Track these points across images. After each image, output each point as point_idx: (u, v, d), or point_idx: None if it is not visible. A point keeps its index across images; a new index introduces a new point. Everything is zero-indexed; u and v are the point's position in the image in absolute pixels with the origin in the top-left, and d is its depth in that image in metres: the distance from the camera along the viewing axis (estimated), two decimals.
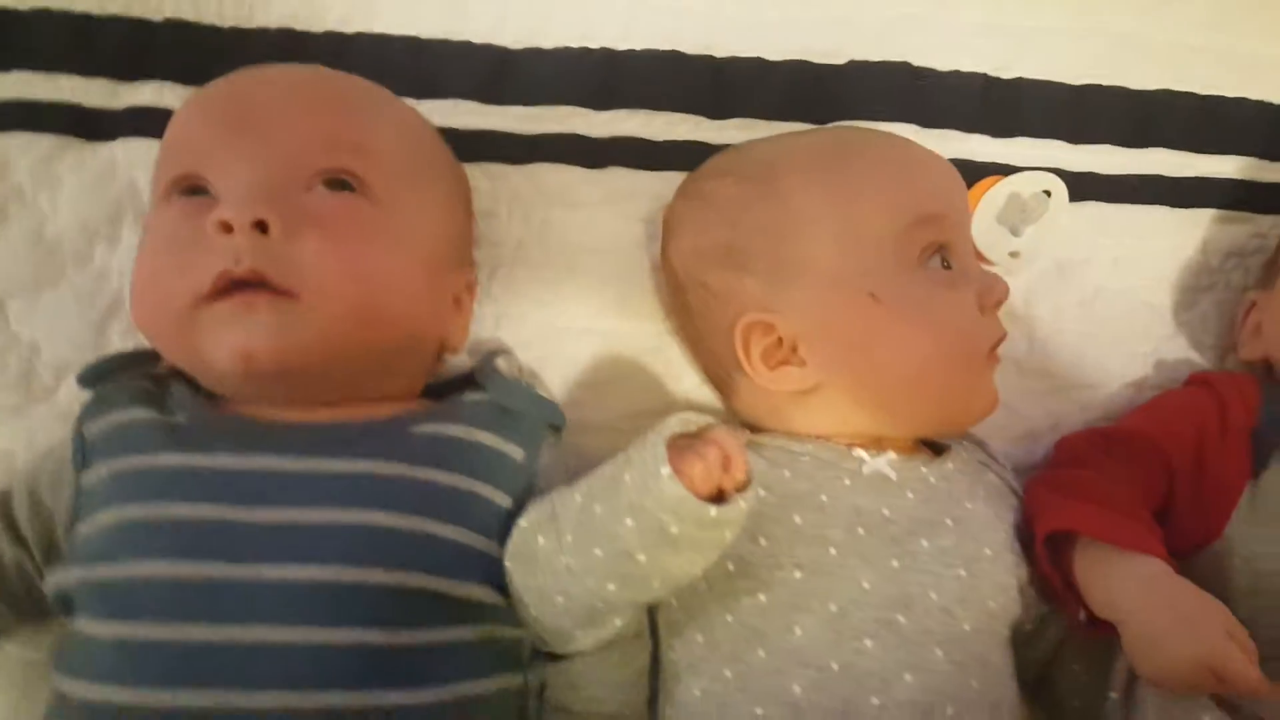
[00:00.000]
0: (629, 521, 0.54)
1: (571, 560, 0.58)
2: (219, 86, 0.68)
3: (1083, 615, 0.68)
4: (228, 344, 0.61)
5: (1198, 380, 0.81)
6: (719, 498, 0.54)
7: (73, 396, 0.72)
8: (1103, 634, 0.67)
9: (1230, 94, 0.89)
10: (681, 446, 0.54)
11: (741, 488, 0.54)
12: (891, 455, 0.70)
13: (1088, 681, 0.72)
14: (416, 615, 0.60)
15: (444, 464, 0.64)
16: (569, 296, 0.81)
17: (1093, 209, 0.87)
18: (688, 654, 0.66)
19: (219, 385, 0.66)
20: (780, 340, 0.69)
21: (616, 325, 0.80)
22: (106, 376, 0.68)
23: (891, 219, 0.68)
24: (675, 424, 0.55)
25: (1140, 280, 0.87)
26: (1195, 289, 0.88)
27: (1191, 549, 0.72)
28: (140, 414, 0.65)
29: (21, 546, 0.66)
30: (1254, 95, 0.89)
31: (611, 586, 0.57)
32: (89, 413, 0.66)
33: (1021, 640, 0.72)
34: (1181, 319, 0.88)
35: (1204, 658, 0.60)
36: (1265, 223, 0.88)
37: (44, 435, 0.73)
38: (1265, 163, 0.89)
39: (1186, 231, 0.88)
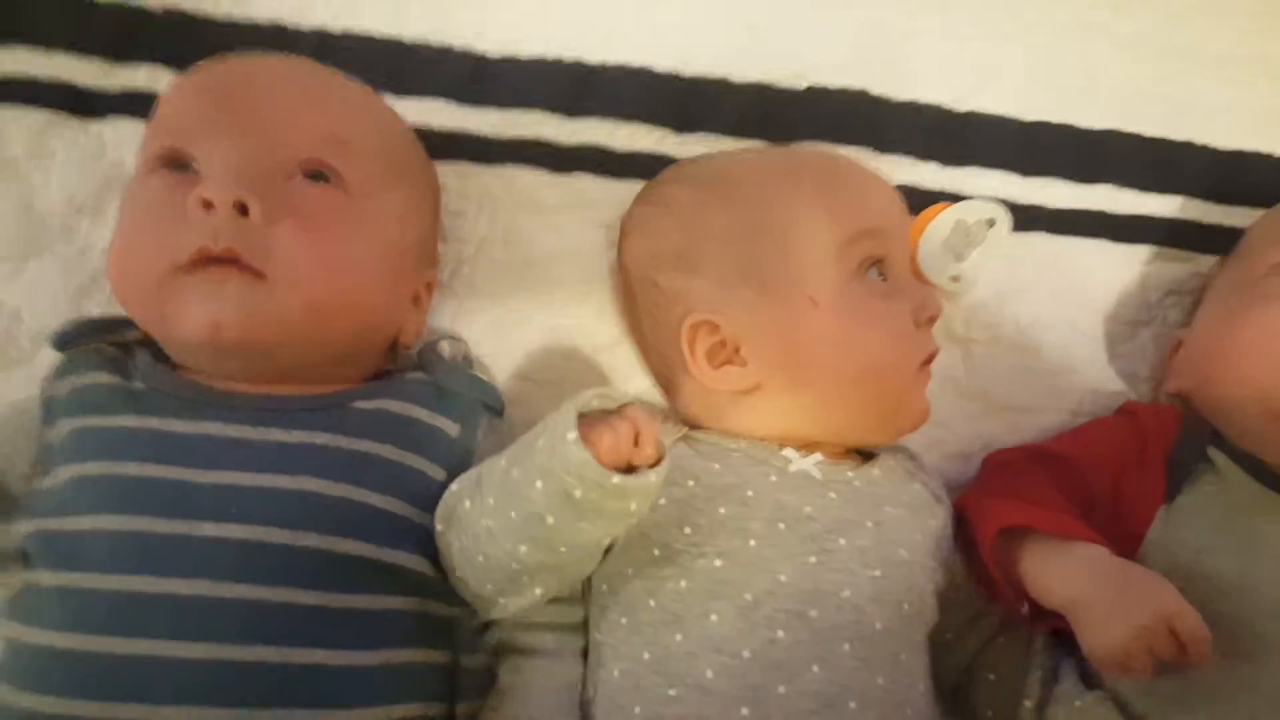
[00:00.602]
0: (539, 484, 0.57)
1: (491, 522, 0.61)
2: (213, 68, 0.72)
3: (1025, 609, 0.72)
4: (197, 314, 0.64)
5: (1125, 410, 0.85)
6: (630, 471, 0.57)
7: (48, 363, 0.75)
8: (1043, 628, 0.71)
9: (1177, 138, 0.93)
10: (596, 420, 0.57)
11: (652, 463, 0.57)
12: (819, 457, 0.74)
13: (1003, 690, 0.75)
14: (347, 579, 0.63)
15: (379, 436, 0.68)
16: (527, 295, 0.85)
17: (1038, 239, 0.91)
18: (611, 636, 0.70)
19: (183, 354, 0.70)
20: (724, 341, 0.73)
21: (572, 325, 0.84)
22: (76, 340, 0.72)
23: (833, 231, 0.72)
24: (593, 397, 0.58)
25: (1080, 311, 0.91)
26: (1134, 323, 0.91)
27: None
28: (103, 378, 0.68)
29: None
30: (1200, 140, 0.93)
31: (524, 549, 0.60)
32: (57, 373, 0.70)
33: (941, 648, 0.75)
34: (1119, 351, 0.91)
35: (1153, 619, 0.62)
36: (1205, 262, 0.92)
37: (19, 398, 0.76)
38: (1208, 204, 0.92)
39: (1128, 266, 0.92)
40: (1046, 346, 0.90)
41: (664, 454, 0.58)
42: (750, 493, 0.70)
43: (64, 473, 0.64)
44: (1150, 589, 0.65)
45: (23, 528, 0.65)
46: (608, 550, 0.69)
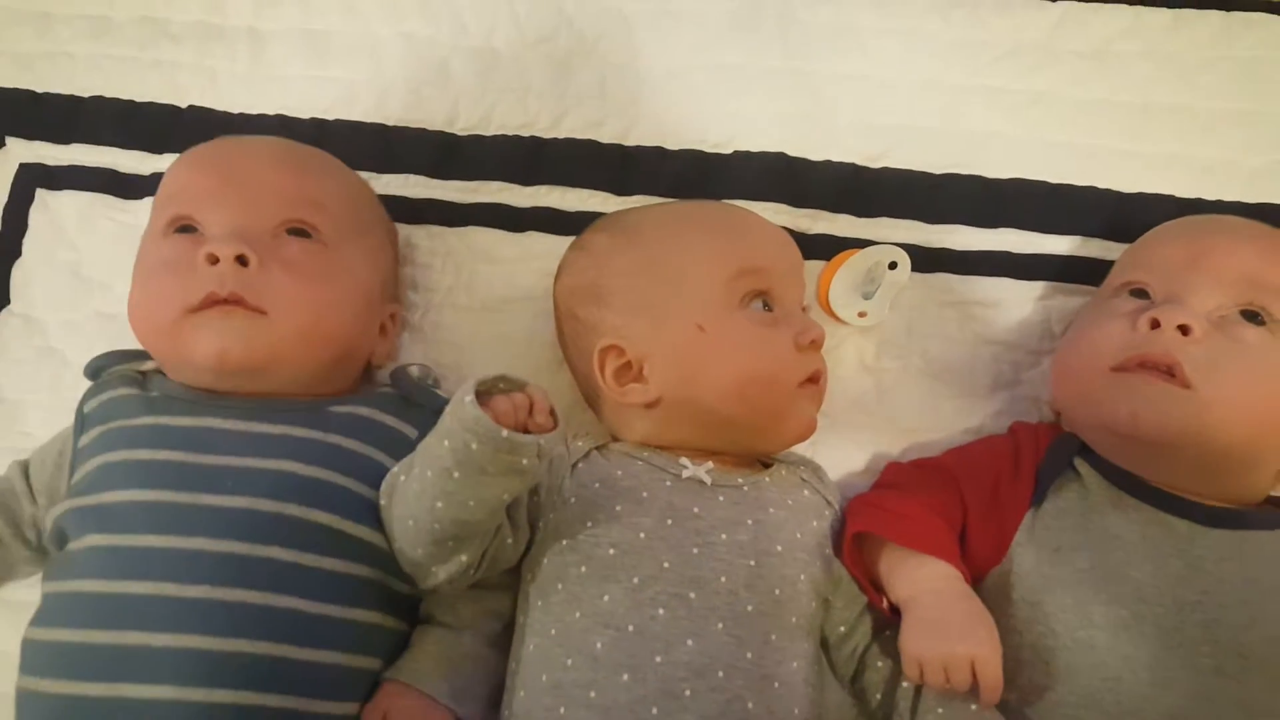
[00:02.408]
0: (445, 443, 0.69)
1: (415, 485, 0.74)
2: (209, 149, 0.89)
3: (886, 604, 0.83)
4: (207, 344, 0.81)
5: (1011, 429, 0.93)
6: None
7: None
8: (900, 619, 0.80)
9: (1080, 183, 1.02)
10: (500, 395, 0.69)
11: (544, 432, 0.69)
12: (710, 465, 0.85)
13: (889, 675, 0.83)
14: (319, 543, 0.77)
15: (350, 433, 0.83)
16: (486, 335, 0.99)
17: (943, 279, 1.00)
18: (530, 617, 0.81)
19: (194, 377, 0.85)
20: (629, 363, 0.85)
21: (521, 355, 0.97)
22: (104, 368, 0.89)
23: (720, 268, 0.84)
24: (498, 380, 0.70)
25: (984, 344, 0.99)
26: (1038, 351, 0.99)
27: (985, 569, 0.84)
28: (126, 391, 0.85)
29: (34, 502, 0.86)
30: (1102, 184, 1.02)
31: (439, 504, 0.72)
32: (88, 395, 0.87)
33: (836, 640, 0.85)
34: (1023, 377, 0.98)
35: (961, 654, 0.74)
36: None
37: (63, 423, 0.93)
38: (1108, 243, 1.00)
39: (1031, 301, 1.00)
40: (951, 375, 0.98)
41: (557, 425, 0.70)
42: (645, 494, 0.82)
43: (92, 464, 0.81)
44: (972, 626, 0.76)
45: (58, 509, 0.80)
46: (532, 540, 0.82)
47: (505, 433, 0.67)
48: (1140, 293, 0.86)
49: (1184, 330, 0.79)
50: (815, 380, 0.86)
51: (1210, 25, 1.05)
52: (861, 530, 0.83)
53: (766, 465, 0.89)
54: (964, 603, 0.79)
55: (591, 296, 0.88)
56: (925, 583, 0.80)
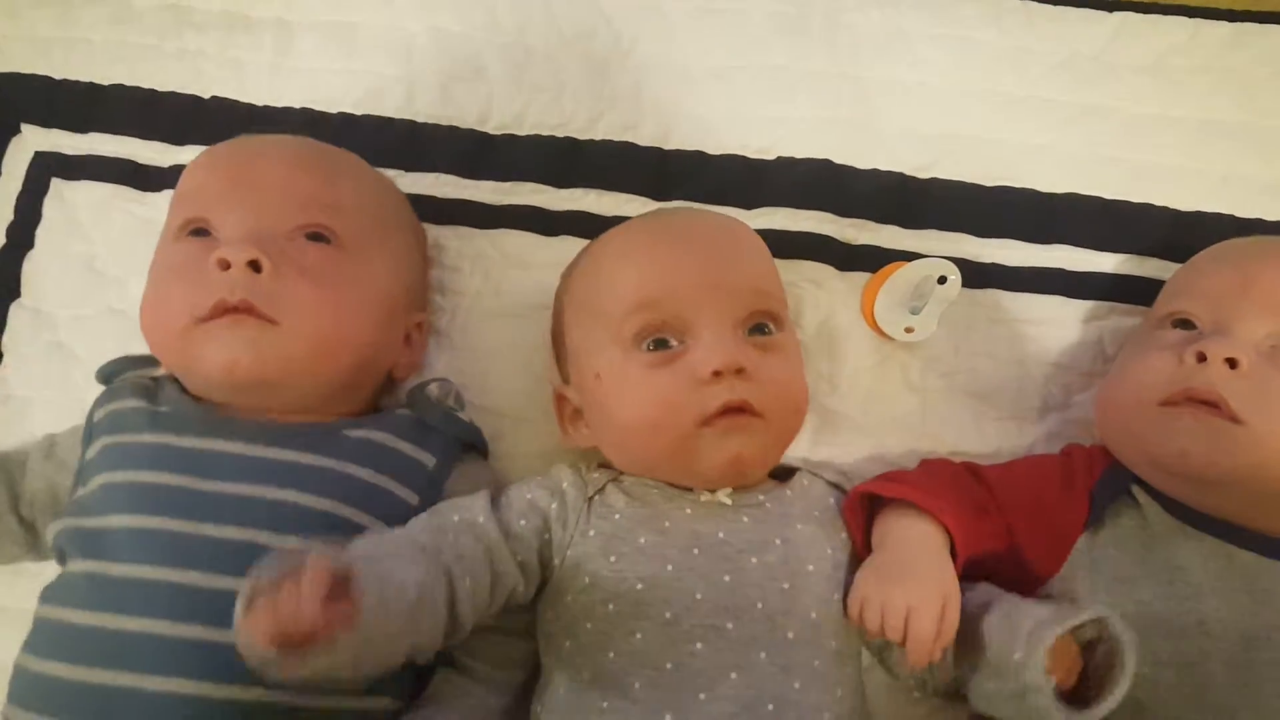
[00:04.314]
0: None
1: None
2: (225, 148, 0.85)
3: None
4: (216, 355, 0.76)
5: (1066, 450, 0.89)
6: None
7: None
8: None
9: (1136, 200, 0.98)
10: (270, 590, 0.56)
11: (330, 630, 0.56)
12: (728, 488, 0.80)
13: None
14: None
15: (363, 461, 0.78)
16: (515, 343, 0.95)
17: (993, 296, 0.96)
18: (558, 659, 0.76)
19: (205, 389, 0.81)
20: (576, 408, 0.83)
21: (546, 373, 0.92)
22: (117, 373, 0.84)
23: (614, 306, 0.78)
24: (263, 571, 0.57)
25: (1035, 363, 0.95)
26: (1089, 374, 0.95)
27: (1044, 577, 0.81)
28: (135, 403, 0.80)
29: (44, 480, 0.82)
30: (1158, 201, 0.98)
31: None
32: (99, 402, 0.82)
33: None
34: (1074, 400, 0.95)
35: (899, 604, 0.72)
36: None
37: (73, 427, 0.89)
38: (1165, 262, 0.96)
39: (1084, 320, 0.96)
40: (999, 396, 0.95)
41: (353, 619, 0.57)
42: (667, 524, 0.77)
43: (94, 481, 0.76)
44: (921, 578, 0.73)
45: (55, 528, 0.76)
46: (547, 577, 0.78)
47: (272, 653, 0.55)
48: (1185, 323, 0.82)
49: (1231, 364, 0.76)
50: (728, 413, 0.75)
51: (1271, 40, 1.02)
52: (867, 491, 0.81)
53: (788, 474, 0.85)
54: (926, 556, 0.75)
55: (555, 333, 0.87)
56: (898, 532, 0.78)
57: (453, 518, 0.75)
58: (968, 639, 0.74)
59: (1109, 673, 0.68)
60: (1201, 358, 0.77)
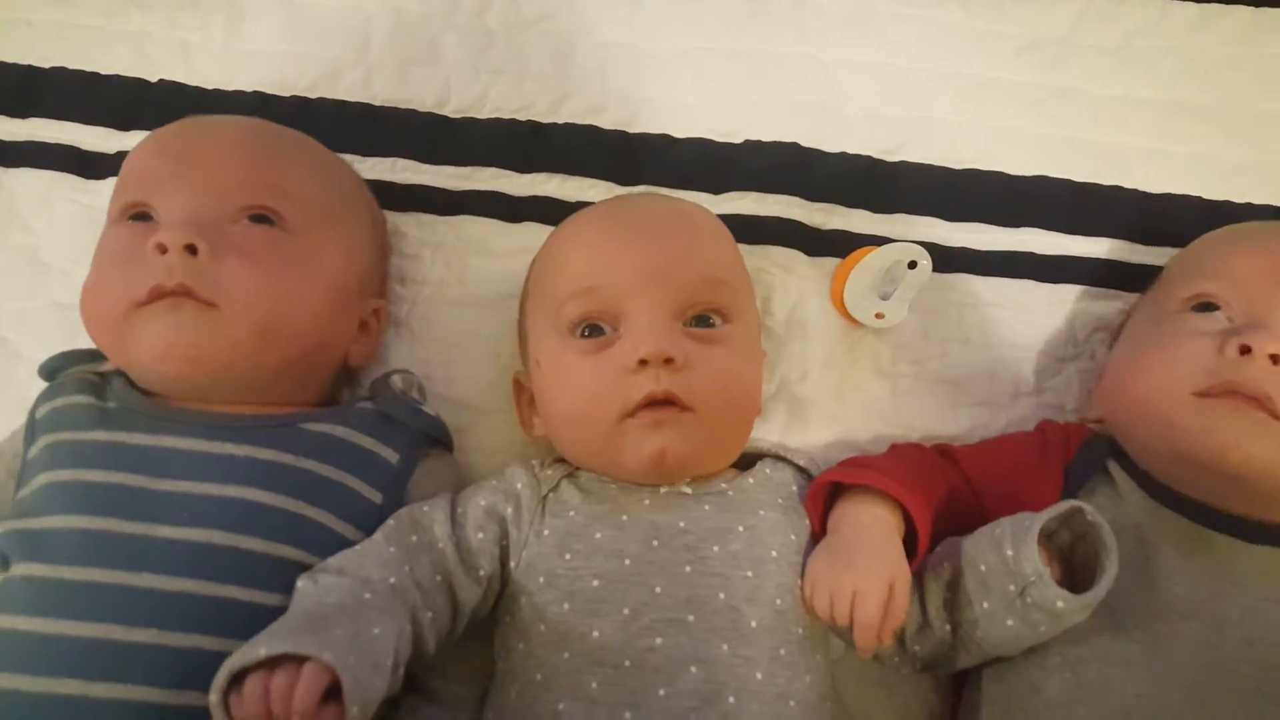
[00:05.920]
0: None
1: None
2: (170, 129, 0.82)
3: None
4: (153, 339, 0.73)
5: (1040, 426, 0.89)
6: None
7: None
8: None
9: (1105, 182, 0.97)
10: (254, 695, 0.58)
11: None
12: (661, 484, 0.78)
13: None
14: (282, 583, 0.69)
15: (323, 457, 0.75)
16: (478, 332, 0.92)
17: (964, 280, 0.95)
18: (510, 663, 0.74)
19: (146, 378, 0.78)
20: (531, 396, 0.82)
21: (515, 355, 0.90)
22: (61, 369, 0.81)
23: (553, 293, 0.78)
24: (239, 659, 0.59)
25: (1005, 348, 0.94)
26: (1061, 358, 0.94)
27: None
28: (80, 399, 0.77)
29: None
30: (1127, 184, 0.97)
31: None
32: (42, 398, 0.79)
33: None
34: (1045, 385, 0.94)
35: (846, 589, 0.70)
36: (1133, 299, 0.94)
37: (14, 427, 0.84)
38: (1134, 245, 0.96)
39: (1055, 305, 0.95)
40: (971, 381, 0.94)
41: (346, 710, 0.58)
42: (625, 517, 0.75)
43: (37, 481, 0.73)
44: (870, 561, 0.71)
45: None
46: (506, 581, 0.76)
47: None
48: (1208, 305, 0.80)
49: (1275, 360, 0.73)
50: (653, 405, 0.73)
51: (1237, 21, 1.02)
52: (829, 480, 0.78)
53: (750, 463, 0.83)
54: (874, 539, 0.74)
55: (519, 320, 0.86)
56: (851, 516, 0.76)
57: (410, 538, 0.73)
58: (948, 578, 0.75)
59: (1095, 562, 0.69)
60: (1245, 350, 0.74)
